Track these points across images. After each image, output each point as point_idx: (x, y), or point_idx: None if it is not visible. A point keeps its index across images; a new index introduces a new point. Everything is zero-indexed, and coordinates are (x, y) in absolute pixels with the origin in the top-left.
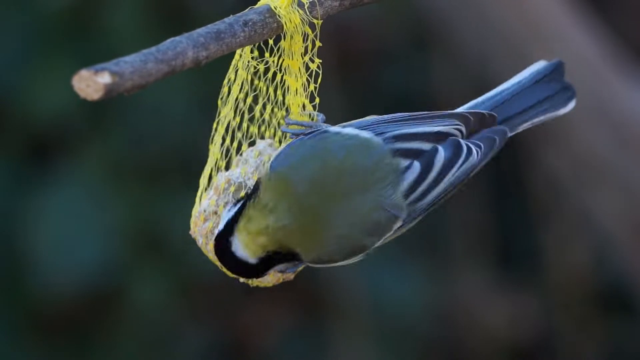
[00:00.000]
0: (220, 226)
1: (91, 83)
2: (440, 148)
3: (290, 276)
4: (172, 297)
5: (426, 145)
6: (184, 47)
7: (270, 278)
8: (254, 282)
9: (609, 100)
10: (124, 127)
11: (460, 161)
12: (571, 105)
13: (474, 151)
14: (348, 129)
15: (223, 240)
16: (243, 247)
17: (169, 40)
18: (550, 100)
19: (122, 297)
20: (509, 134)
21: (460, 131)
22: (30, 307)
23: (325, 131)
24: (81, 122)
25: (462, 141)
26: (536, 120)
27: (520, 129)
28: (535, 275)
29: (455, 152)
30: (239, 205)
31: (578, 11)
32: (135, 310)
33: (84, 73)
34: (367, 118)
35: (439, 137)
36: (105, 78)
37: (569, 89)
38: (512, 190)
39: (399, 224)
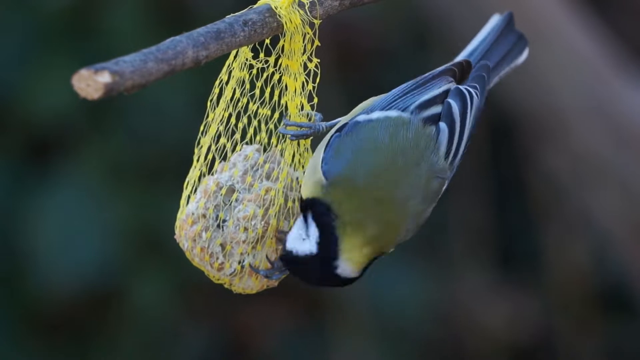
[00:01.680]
0: (312, 250)
1: (91, 82)
2: (451, 102)
3: (274, 283)
4: (172, 297)
5: (440, 107)
6: (184, 47)
7: (255, 284)
8: (237, 288)
9: (609, 100)
10: (124, 127)
11: (469, 105)
12: (526, 53)
13: (474, 93)
14: (376, 114)
15: (327, 264)
16: (351, 265)
17: (169, 40)
18: (512, 51)
19: (122, 297)
20: (491, 68)
21: (454, 83)
22: (30, 307)
23: (357, 122)
24: (81, 122)
25: (460, 87)
26: (502, 73)
27: (492, 84)
28: (535, 276)
29: (462, 100)
30: (310, 227)
31: (578, 11)
32: (135, 310)
33: (84, 72)
34: (370, 100)
35: (445, 95)
36: (105, 77)
37: (522, 38)
38: (512, 190)
39: (445, 186)
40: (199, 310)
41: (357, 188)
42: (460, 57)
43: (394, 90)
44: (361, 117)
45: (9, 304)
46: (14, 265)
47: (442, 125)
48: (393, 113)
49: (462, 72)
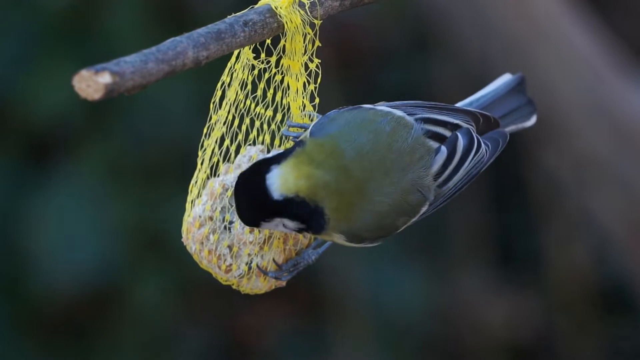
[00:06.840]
0: (267, 155)
1: (91, 83)
2: (460, 135)
3: (282, 283)
4: (172, 297)
5: (447, 133)
6: (184, 47)
7: (263, 285)
8: (245, 289)
9: (609, 100)
10: (124, 127)
11: (474, 150)
12: (534, 119)
13: (483, 147)
14: (381, 107)
15: (264, 165)
16: (281, 179)
17: (169, 40)
18: (519, 110)
19: (122, 297)
20: (508, 138)
21: (472, 127)
22: (30, 307)
23: (360, 106)
24: (81, 122)
25: (473, 133)
26: (507, 129)
27: None
28: (535, 275)
29: (470, 141)
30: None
31: (578, 11)
32: (135, 310)
33: (85, 73)
34: (381, 104)
35: (456, 128)
36: (105, 78)
37: (532, 103)
38: (512, 190)
39: (425, 208)
40: (199, 310)
41: (336, 152)
42: (468, 101)
43: (413, 101)
44: (366, 105)
45: (9, 304)
46: (14, 265)
47: (444, 148)
48: (397, 112)
49: (487, 125)
